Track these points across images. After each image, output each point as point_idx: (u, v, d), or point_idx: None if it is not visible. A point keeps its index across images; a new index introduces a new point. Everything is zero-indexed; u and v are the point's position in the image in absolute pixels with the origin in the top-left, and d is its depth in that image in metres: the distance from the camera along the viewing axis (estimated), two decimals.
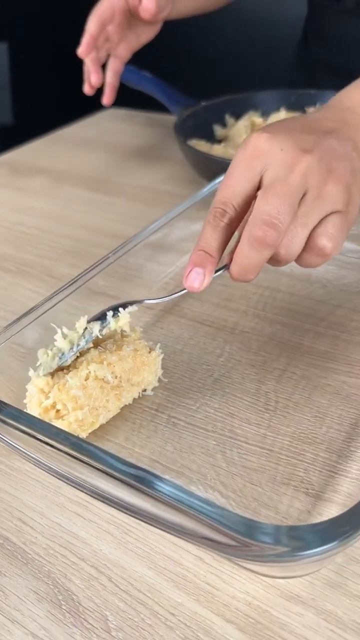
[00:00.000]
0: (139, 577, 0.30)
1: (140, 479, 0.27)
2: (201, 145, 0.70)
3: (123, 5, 0.70)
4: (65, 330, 0.38)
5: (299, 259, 0.36)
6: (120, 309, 0.40)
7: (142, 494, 0.27)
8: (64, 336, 0.38)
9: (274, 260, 0.35)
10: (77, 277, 0.43)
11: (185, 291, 0.38)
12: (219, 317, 0.47)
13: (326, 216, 0.34)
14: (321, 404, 0.38)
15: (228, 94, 0.82)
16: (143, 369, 0.39)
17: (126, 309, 0.40)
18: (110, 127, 0.94)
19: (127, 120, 0.96)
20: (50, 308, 0.41)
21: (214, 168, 0.60)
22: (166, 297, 0.42)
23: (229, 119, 0.80)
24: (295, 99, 0.82)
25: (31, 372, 0.37)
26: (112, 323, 0.39)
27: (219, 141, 0.77)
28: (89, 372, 0.36)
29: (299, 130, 0.36)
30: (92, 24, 0.70)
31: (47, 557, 0.31)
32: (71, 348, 0.38)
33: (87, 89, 0.75)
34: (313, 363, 0.42)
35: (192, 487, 0.33)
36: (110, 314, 0.39)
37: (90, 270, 0.44)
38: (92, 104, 1.03)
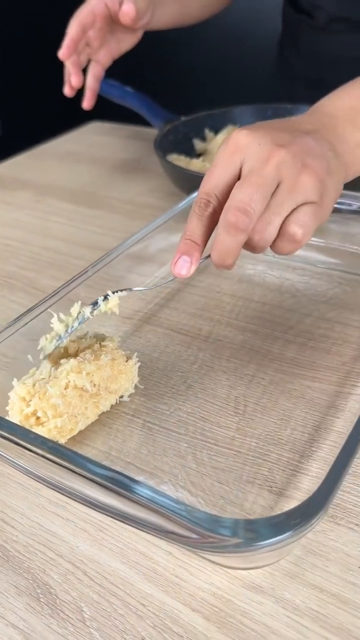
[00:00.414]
0: (112, 571, 0.32)
1: (114, 481, 0.29)
2: (180, 160, 0.72)
3: (104, 11, 0.72)
4: (61, 315, 0.42)
5: (273, 246, 0.38)
6: (110, 293, 0.43)
7: (115, 495, 0.29)
8: (60, 320, 0.41)
9: (250, 246, 0.38)
10: (58, 288, 0.46)
11: (172, 279, 0.41)
12: (194, 326, 0.49)
13: (299, 206, 0.37)
14: (287, 408, 0.41)
15: (208, 108, 0.85)
16: (120, 377, 0.41)
17: (116, 294, 0.42)
18: (94, 140, 0.97)
19: (111, 133, 0.99)
20: (33, 319, 0.43)
21: (192, 182, 0.62)
22: (154, 286, 0.46)
23: (208, 133, 0.82)
24: (272, 113, 0.85)
25: (14, 382, 0.39)
26: (102, 305, 0.42)
27: (199, 155, 0.80)
28: (69, 381, 0.38)
29: (278, 129, 0.39)
30: (73, 28, 0.72)
31: (27, 554, 0.33)
32: (66, 330, 0.41)
33: (67, 91, 0.77)
34: (281, 369, 0.44)
35: (163, 487, 0.35)
36: (100, 298, 0.42)
37: (71, 282, 0.46)
38: (79, 117, 1.05)
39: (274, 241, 0.38)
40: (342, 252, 0.56)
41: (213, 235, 0.39)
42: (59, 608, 0.30)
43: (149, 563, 0.32)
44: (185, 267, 0.38)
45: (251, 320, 0.49)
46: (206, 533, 0.27)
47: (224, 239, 0.36)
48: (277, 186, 0.36)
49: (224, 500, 0.35)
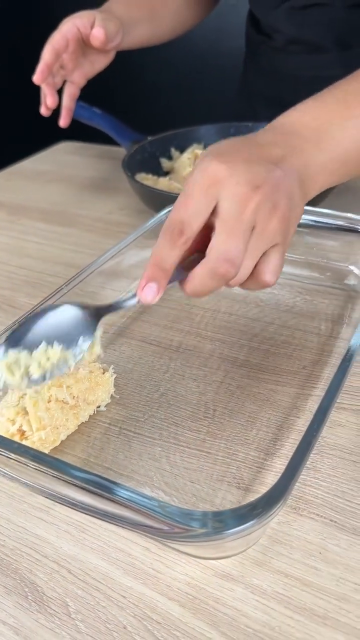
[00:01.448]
0: (94, 567, 0.34)
1: (96, 484, 0.31)
2: (148, 178, 0.75)
3: (76, 34, 0.75)
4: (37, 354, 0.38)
5: (243, 285, 0.40)
6: (96, 333, 0.40)
7: (97, 496, 0.32)
8: (38, 366, 0.38)
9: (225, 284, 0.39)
10: (35, 306, 0.48)
11: (136, 301, 0.40)
12: (165, 337, 0.52)
13: (268, 249, 0.39)
14: (253, 410, 0.44)
15: (173, 128, 0.88)
16: (97, 389, 0.43)
17: (97, 332, 0.41)
18: (64, 160, 1.00)
19: (80, 153, 1.02)
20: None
21: (160, 200, 0.66)
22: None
23: (174, 152, 0.86)
24: (234, 131, 0.89)
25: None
26: (86, 355, 0.39)
27: (166, 173, 0.83)
28: (51, 395, 0.40)
29: (251, 161, 0.39)
30: (46, 53, 0.75)
31: (13, 556, 0.35)
32: (43, 378, 0.38)
33: (43, 110, 0.80)
34: (247, 374, 0.47)
35: (139, 489, 0.38)
36: (85, 345, 0.39)
37: (48, 299, 0.49)
38: (46, 138, 1.08)
39: (245, 281, 0.40)
40: (301, 264, 0.60)
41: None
42: (46, 604, 0.33)
43: (128, 559, 0.35)
44: (151, 294, 0.38)
45: (219, 330, 0.53)
46: (178, 525, 0.29)
47: (207, 282, 0.38)
48: (252, 230, 0.38)
49: (196, 498, 0.37)
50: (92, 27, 0.74)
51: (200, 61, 1.70)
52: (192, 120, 0.96)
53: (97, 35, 0.73)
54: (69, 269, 0.66)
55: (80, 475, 0.32)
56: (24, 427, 0.40)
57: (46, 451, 0.40)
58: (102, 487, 0.31)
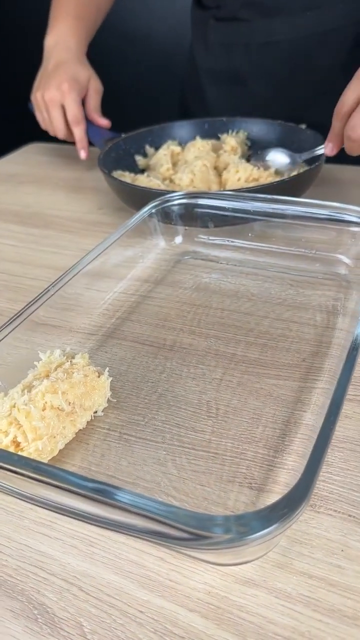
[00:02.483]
0: (107, 583, 0.32)
1: (102, 492, 0.29)
2: (125, 176, 0.73)
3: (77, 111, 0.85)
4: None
5: None
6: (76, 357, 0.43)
7: (105, 505, 0.30)
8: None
9: None
10: (21, 310, 0.46)
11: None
12: (158, 336, 0.50)
13: None
14: (256, 406, 0.42)
15: (147, 125, 0.86)
16: (93, 393, 0.41)
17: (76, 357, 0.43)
18: (35, 161, 0.97)
19: (51, 153, 0.99)
20: None
21: (140, 197, 0.64)
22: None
23: (149, 149, 0.84)
24: (208, 127, 0.88)
25: None
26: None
27: (142, 170, 0.81)
28: (45, 402, 0.38)
29: None
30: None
31: (18, 576, 0.33)
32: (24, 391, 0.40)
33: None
34: (246, 370, 0.46)
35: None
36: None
37: (33, 303, 0.46)
38: (15, 140, 1.05)
39: None
40: (290, 256, 0.59)
41: None
42: (58, 626, 0.31)
43: (142, 571, 0.33)
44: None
45: (212, 327, 0.51)
46: (199, 532, 0.28)
47: None
48: None
49: (208, 502, 0.36)
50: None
51: (160, 60, 1.68)
52: (144, 119, 0.95)
53: (83, 157, 0.86)
54: (49, 271, 0.63)
55: (88, 485, 0.30)
56: (19, 438, 0.38)
57: (44, 461, 0.38)
58: (113, 496, 0.29)
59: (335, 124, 0.64)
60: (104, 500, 0.29)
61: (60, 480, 0.30)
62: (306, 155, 0.71)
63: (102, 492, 0.29)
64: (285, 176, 0.72)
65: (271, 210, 0.58)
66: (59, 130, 0.86)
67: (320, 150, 0.68)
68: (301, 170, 0.71)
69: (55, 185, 0.86)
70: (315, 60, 0.81)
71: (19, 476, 0.32)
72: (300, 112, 0.83)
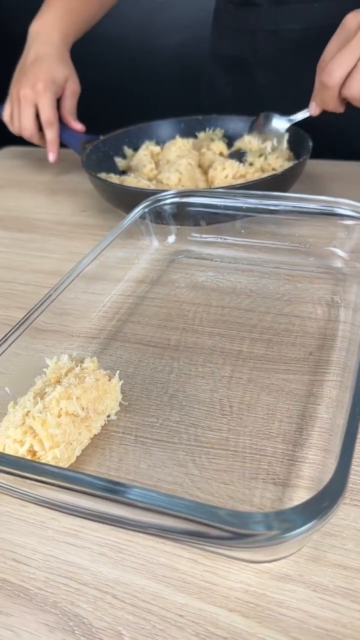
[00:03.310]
0: (141, 589, 0.32)
1: (147, 498, 0.29)
2: (112, 177, 0.72)
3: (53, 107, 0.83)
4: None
5: None
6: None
7: (147, 512, 0.29)
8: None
9: None
10: (24, 317, 0.45)
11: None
12: (161, 337, 0.50)
13: None
14: (270, 402, 0.42)
15: (124, 125, 0.86)
16: (106, 397, 0.41)
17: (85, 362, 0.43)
18: (11, 165, 0.95)
19: (27, 157, 0.97)
20: (4, 351, 0.42)
21: (130, 198, 0.63)
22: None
23: (127, 150, 0.83)
24: (184, 126, 0.88)
25: (1, 425, 0.38)
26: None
27: (122, 172, 0.81)
28: (61, 408, 0.37)
29: None
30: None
31: (49, 589, 0.32)
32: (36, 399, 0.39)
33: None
34: (255, 366, 0.46)
35: None
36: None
37: (35, 310, 0.45)
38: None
39: None
40: (283, 251, 0.59)
41: None
42: (97, 636, 0.30)
43: (176, 573, 0.32)
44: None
45: (215, 325, 0.51)
46: (241, 531, 0.27)
47: None
48: None
49: (234, 500, 0.36)
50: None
51: (129, 60, 1.67)
52: (125, 119, 0.94)
53: (51, 160, 0.84)
54: (39, 275, 0.62)
55: (126, 490, 0.29)
56: (35, 447, 0.37)
57: None
58: (154, 501, 0.28)
59: (318, 78, 0.62)
60: (147, 507, 0.28)
61: (91, 486, 0.30)
62: (293, 120, 0.73)
63: (139, 497, 0.29)
64: (283, 142, 0.73)
65: (263, 206, 0.59)
66: (25, 129, 0.83)
67: (305, 112, 0.69)
68: (285, 158, 0.73)
69: (34, 188, 0.85)
70: (320, 55, 0.80)
71: (46, 485, 0.31)
72: (304, 106, 0.82)
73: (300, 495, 0.35)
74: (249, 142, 0.78)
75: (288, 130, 0.75)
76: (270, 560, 0.32)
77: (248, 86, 0.90)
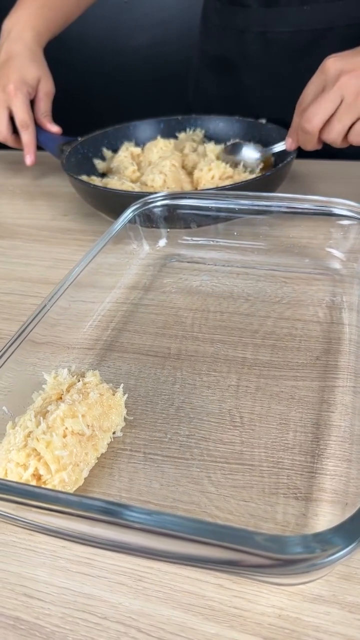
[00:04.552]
0: (166, 620, 0.30)
1: (156, 522, 0.27)
2: (94, 180, 0.70)
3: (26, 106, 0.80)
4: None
5: None
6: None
7: (164, 538, 0.27)
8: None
9: None
10: (17, 332, 0.42)
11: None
12: (160, 345, 0.48)
13: None
14: (282, 411, 0.41)
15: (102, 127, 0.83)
16: (110, 413, 0.38)
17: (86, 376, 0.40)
18: None
19: (1, 160, 0.93)
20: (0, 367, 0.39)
21: (115, 201, 0.61)
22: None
23: (106, 152, 0.81)
24: (163, 126, 0.86)
25: (2, 450, 0.35)
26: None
27: (102, 174, 0.78)
28: (66, 428, 0.35)
29: None
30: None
31: (66, 625, 0.30)
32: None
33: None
34: (262, 374, 0.44)
35: None
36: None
37: (29, 323, 0.43)
38: None
39: None
40: (277, 253, 0.58)
41: None
42: None
43: (203, 601, 0.30)
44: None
45: (216, 331, 0.49)
46: (282, 557, 0.26)
47: None
48: None
49: (256, 518, 0.34)
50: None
51: (98, 60, 1.64)
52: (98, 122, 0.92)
53: (28, 163, 0.81)
54: (24, 284, 0.59)
55: (147, 518, 0.27)
56: (40, 471, 0.34)
57: None
58: (183, 529, 0.26)
59: (296, 118, 0.63)
60: (176, 535, 0.26)
61: (104, 513, 0.27)
62: (268, 151, 0.71)
63: (158, 523, 0.27)
64: (255, 171, 0.71)
65: (255, 207, 0.57)
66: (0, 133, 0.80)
67: (281, 145, 0.68)
68: (266, 165, 0.71)
69: (12, 193, 0.81)
70: (308, 59, 0.79)
71: (54, 513, 0.29)
72: (289, 111, 0.81)
73: (325, 510, 0.34)
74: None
75: (261, 157, 0.73)
76: (304, 582, 0.30)
77: (235, 87, 0.89)
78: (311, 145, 0.63)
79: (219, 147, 0.76)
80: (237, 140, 0.76)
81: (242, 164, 0.71)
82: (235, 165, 0.71)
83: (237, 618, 0.30)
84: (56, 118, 0.85)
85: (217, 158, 0.73)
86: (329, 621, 0.29)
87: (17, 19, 0.80)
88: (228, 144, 0.76)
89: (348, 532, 0.26)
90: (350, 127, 0.58)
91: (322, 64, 0.60)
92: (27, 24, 0.80)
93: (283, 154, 0.71)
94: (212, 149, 0.75)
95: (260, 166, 0.72)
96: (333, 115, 0.58)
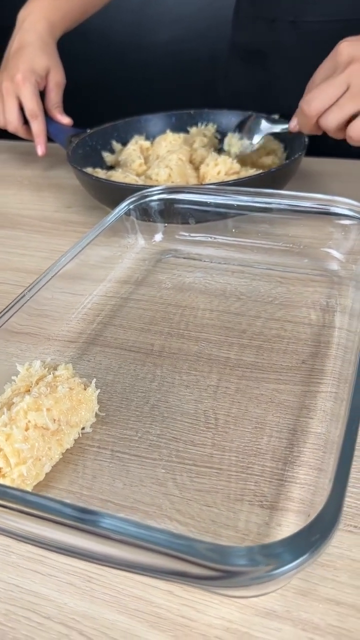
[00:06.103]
0: (110, 624, 0.29)
1: (94, 523, 0.26)
2: (98, 172, 0.69)
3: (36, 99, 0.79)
4: None
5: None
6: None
7: (102, 540, 0.26)
8: None
9: None
10: None
11: None
12: (144, 341, 0.47)
13: None
14: (258, 414, 0.39)
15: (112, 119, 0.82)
16: (80, 408, 0.37)
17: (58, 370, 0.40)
18: None
19: (10, 151, 0.94)
20: None
21: (117, 194, 0.60)
22: None
23: (115, 145, 0.80)
24: (175, 120, 0.85)
25: None
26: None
27: (110, 167, 0.77)
28: (29, 421, 0.34)
29: None
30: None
31: (9, 622, 0.29)
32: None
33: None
34: (244, 375, 0.42)
35: (149, 521, 0.33)
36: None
37: (6, 311, 0.42)
38: None
39: None
40: (276, 251, 0.56)
41: None
42: None
43: (150, 607, 0.29)
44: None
45: (202, 329, 0.48)
46: (224, 568, 0.24)
47: None
48: None
49: (217, 525, 0.32)
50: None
51: (120, 55, 1.64)
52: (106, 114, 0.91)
53: (39, 153, 0.80)
54: (20, 274, 0.59)
55: (92, 519, 0.26)
56: (0, 463, 0.33)
57: (29, 488, 0.34)
58: (123, 532, 0.25)
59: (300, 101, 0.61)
60: (117, 537, 0.25)
61: (53, 513, 0.26)
62: (270, 129, 0.70)
63: (96, 524, 0.26)
64: (253, 146, 0.70)
65: (255, 204, 0.55)
66: (9, 123, 0.79)
67: (286, 126, 0.67)
68: (275, 158, 0.69)
69: (20, 183, 0.81)
70: None
71: (6, 509, 0.28)
72: None
73: (289, 520, 0.32)
74: (228, 144, 0.75)
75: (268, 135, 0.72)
76: (255, 595, 0.29)
77: (265, 77, 0.87)
78: (307, 128, 0.61)
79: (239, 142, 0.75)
80: (251, 113, 0.75)
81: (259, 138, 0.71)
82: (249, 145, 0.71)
83: (183, 628, 0.28)
84: (77, 111, 0.85)
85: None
86: (279, 638, 0.28)
87: (32, 9, 0.80)
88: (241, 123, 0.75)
89: (297, 546, 0.25)
90: (350, 120, 0.56)
91: (336, 47, 0.58)
92: (41, 15, 0.79)
93: (292, 150, 0.69)
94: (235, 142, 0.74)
95: (260, 142, 0.71)
96: (335, 103, 0.56)
